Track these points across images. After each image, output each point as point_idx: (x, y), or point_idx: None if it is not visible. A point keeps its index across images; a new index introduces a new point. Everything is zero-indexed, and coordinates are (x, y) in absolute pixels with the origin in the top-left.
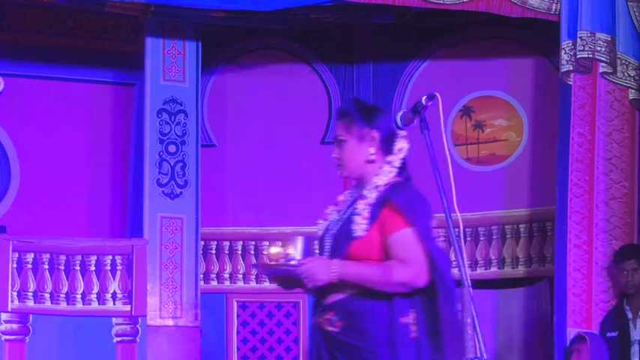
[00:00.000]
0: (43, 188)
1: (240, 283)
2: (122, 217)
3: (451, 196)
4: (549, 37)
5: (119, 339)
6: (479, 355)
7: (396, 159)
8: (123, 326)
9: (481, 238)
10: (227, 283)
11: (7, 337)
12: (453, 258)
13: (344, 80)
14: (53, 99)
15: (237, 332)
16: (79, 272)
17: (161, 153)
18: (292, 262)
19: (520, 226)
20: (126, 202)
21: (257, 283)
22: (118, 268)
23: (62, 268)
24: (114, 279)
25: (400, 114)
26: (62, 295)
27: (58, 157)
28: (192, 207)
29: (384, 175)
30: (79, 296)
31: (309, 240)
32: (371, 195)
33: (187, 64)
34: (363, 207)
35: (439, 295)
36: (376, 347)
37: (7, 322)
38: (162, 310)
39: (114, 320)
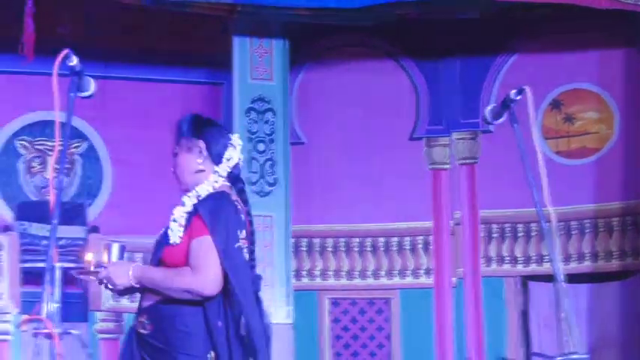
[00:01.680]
0: (134, 189)
1: (332, 280)
2: None
3: (542, 190)
4: (639, 28)
5: None
6: (573, 350)
7: (224, 168)
8: None
9: (573, 232)
10: (318, 280)
11: (103, 335)
12: (546, 252)
13: (431, 76)
14: (143, 100)
15: (330, 329)
16: None
17: (250, 151)
18: (99, 269)
19: (613, 219)
20: None
21: (348, 279)
22: None
23: None
24: None
25: (489, 108)
26: None
27: (148, 158)
28: (282, 205)
29: (208, 185)
30: None
31: (123, 247)
32: (189, 203)
33: (275, 63)
34: (180, 215)
35: (242, 306)
36: (179, 352)
37: (102, 320)
38: None
39: None
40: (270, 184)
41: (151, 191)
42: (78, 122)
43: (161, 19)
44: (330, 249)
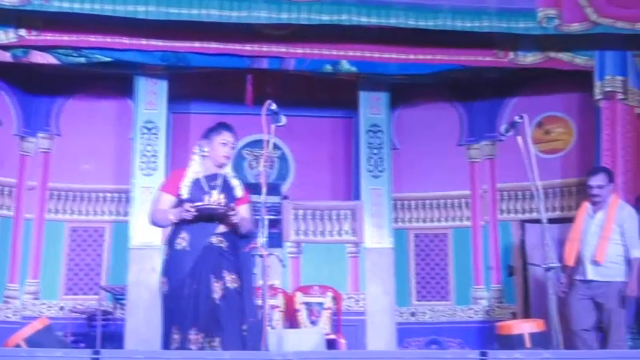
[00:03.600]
0: (305, 175)
1: (414, 223)
2: (349, 187)
3: (533, 171)
4: (588, 79)
5: (350, 255)
6: (550, 262)
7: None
8: (352, 248)
9: (549, 195)
10: (407, 223)
11: (291, 255)
12: (535, 206)
13: (469, 110)
14: (308, 127)
15: (414, 250)
16: (327, 220)
17: (369, 153)
18: (227, 206)
19: (572, 188)
20: (350, 178)
21: (423, 223)
22: (348, 217)
23: (318, 218)
24: (345, 222)
25: (503, 127)
26: (319, 232)
27: (311, 157)
28: (387, 182)
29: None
30: (327, 232)
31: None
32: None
33: (382, 105)
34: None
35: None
36: (242, 259)
37: (290, 247)
38: (373, 239)
39: (346, 245)
40: (380, 171)
41: (312, 175)
42: (276, 140)
43: (319, 82)
44: (413, 206)
